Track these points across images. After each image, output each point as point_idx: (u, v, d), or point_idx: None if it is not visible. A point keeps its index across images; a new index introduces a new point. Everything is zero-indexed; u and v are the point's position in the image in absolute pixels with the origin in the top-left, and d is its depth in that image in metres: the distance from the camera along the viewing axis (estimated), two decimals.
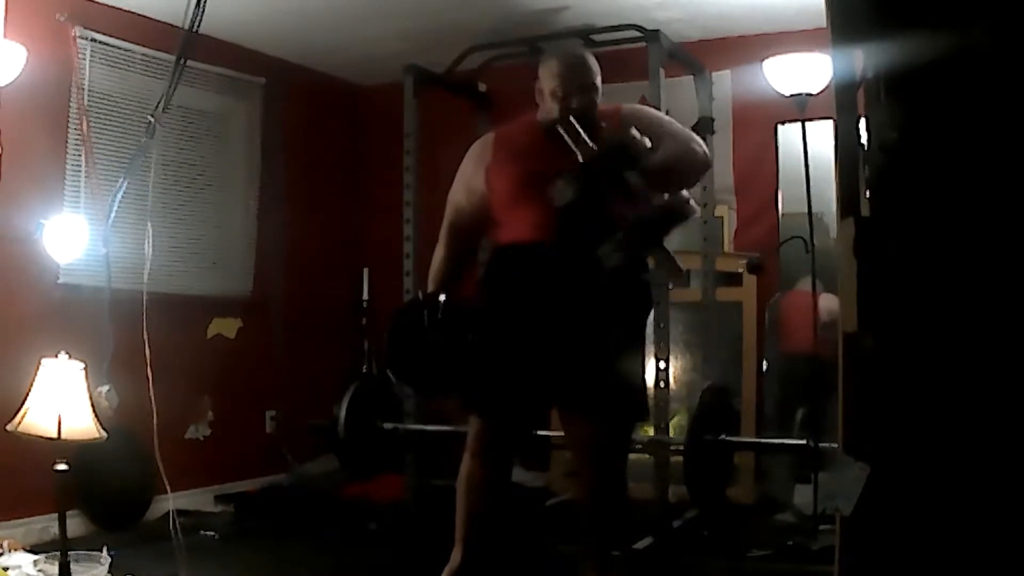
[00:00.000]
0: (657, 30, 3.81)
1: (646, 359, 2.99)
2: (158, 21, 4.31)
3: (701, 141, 2.91)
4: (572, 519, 3.08)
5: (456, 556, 2.92)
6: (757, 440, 4.35)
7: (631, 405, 2.89)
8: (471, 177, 2.97)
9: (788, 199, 4.58)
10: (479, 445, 2.91)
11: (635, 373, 2.89)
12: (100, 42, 4.27)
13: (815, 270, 3.77)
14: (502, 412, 2.88)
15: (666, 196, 2.60)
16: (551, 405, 3.01)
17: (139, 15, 4.37)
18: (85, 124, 4.20)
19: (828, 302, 3.80)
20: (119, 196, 3.86)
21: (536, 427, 3.06)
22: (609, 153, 2.58)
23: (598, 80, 2.86)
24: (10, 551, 3.37)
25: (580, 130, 2.60)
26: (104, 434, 2.91)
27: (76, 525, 3.91)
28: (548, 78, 2.84)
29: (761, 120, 4.67)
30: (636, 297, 2.90)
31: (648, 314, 3.05)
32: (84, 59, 4.21)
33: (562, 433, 3.14)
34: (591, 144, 2.58)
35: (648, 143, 2.59)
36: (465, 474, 2.93)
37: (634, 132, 2.60)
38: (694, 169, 2.87)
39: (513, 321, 2.83)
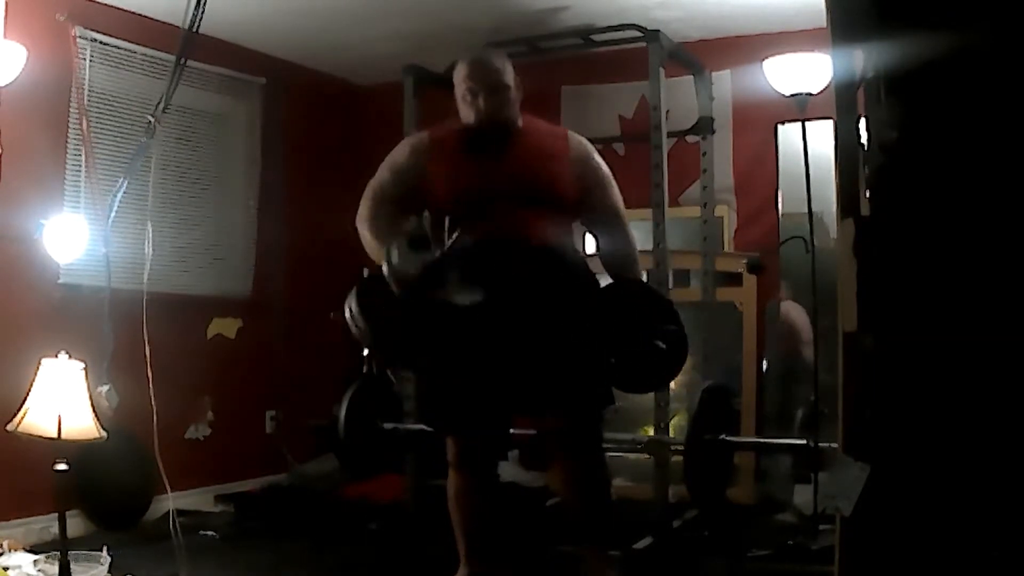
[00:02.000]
0: (657, 30, 3.81)
1: (602, 346, 2.87)
2: (158, 21, 4.31)
3: (631, 235, 2.98)
4: (564, 518, 3.08)
5: (463, 573, 2.96)
6: (757, 440, 4.35)
7: (590, 393, 2.86)
8: (407, 169, 2.91)
9: (788, 199, 4.58)
10: (458, 458, 2.94)
11: (586, 360, 2.80)
12: (100, 42, 4.27)
13: (815, 270, 3.77)
14: (467, 427, 2.90)
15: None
16: (514, 409, 3.01)
17: (139, 15, 4.37)
18: (85, 124, 4.20)
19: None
20: (119, 196, 3.87)
21: (506, 429, 3.07)
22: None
23: (509, 79, 2.85)
24: (10, 551, 3.37)
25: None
26: (104, 434, 2.91)
27: (76, 525, 3.91)
28: (458, 82, 2.86)
29: (761, 120, 4.67)
30: (571, 281, 2.87)
31: (591, 293, 2.94)
32: (84, 59, 4.21)
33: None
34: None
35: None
36: (452, 491, 2.96)
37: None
38: (636, 267, 2.97)
39: (455, 335, 2.81)
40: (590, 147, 2.97)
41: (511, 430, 3.12)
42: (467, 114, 2.85)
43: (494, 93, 2.81)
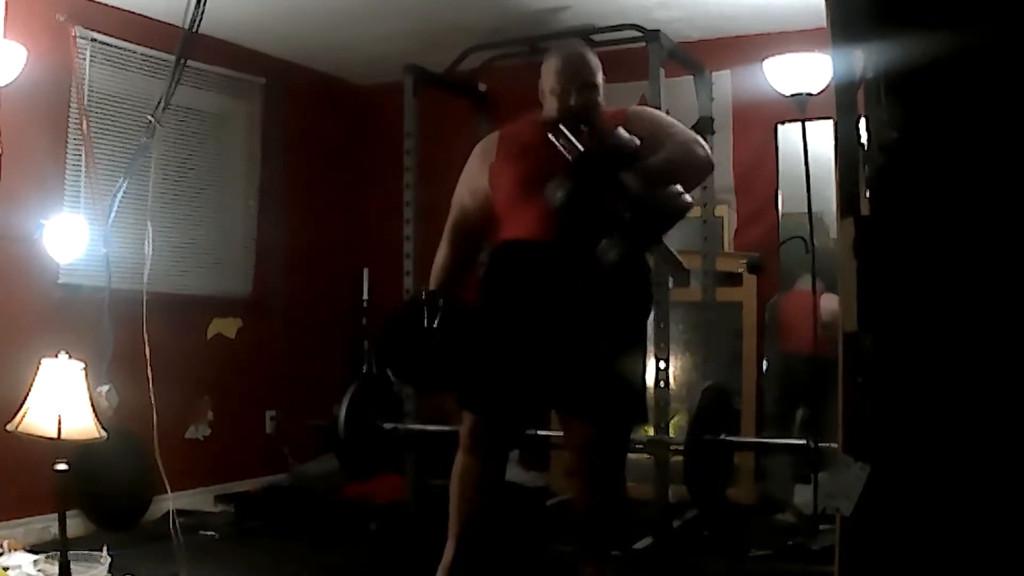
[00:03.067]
0: (657, 30, 3.81)
1: (646, 361, 2.98)
2: (158, 21, 4.31)
3: (704, 143, 2.90)
4: (571, 519, 3.08)
5: (449, 550, 2.92)
6: (757, 440, 4.35)
7: (629, 408, 2.87)
8: (475, 176, 2.96)
9: (788, 199, 4.58)
10: (472, 441, 2.90)
11: (634, 375, 2.87)
12: (100, 42, 4.27)
13: (815, 270, 3.77)
14: (496, 410, 2.87)
15: (658, 193, 2.58)
16: (548, 406, 2.99)
17: (139, 15, 4.37)
18: (85, 124, 4.20)
19: (828, 302, 3.79)
20: (119, 196, 3.86)
21: (531, 427, 3.04)
22: (598, 154, 2.56)
23: (599, 78, 2.84)
24: (10, 551, 3.37)
25: (569, 133, 2.58)
26: (104, 434, 2.91)
27: (76, 525, 3.91)
28: (548, 75, 2.85)
29: (761, 120, 4.67)
30: (635, 297, 2.88)
31: (648, 314, 3.03)
32: (84, 59, 4.21)
33: (561, 433, 3.14)
34: (580, 146, 2.57)
35: (637, 142, 2.57)
36: (458, 471, 2.92)
37: (621, 132, 2.58)
38: (694, 171, 2.84)
39: (510, 319, 2.82)
40: (643, 108, 2.98)
41: (533, 429, 3.10)
42: (552, 108, 2.82)
43: (584, 90, 2.79)
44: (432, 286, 3.04)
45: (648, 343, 2.95)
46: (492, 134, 3.05)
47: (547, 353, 2.75)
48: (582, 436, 2.85)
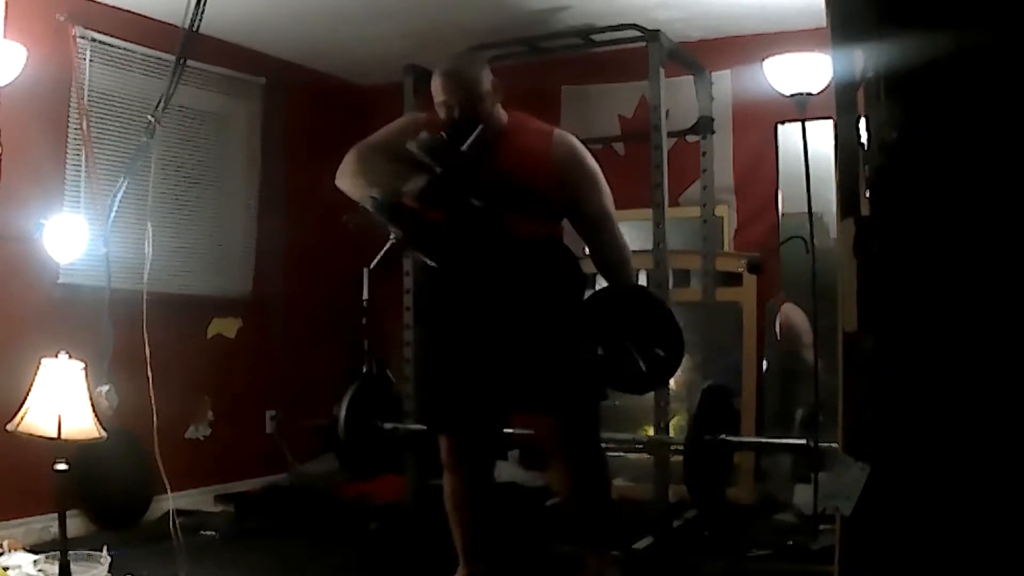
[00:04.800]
0: (657, 30, 3.81)
1: (598, 338, 2.86)
2: (158, 21, 4.31)
3: (620, 236, 2.94)
4: (563, 514, 3.09)
5: (462, 573, 2.98)
6: (757, 440, 4.35)
7: (582, 388, 2.86)
8: (398, 140, 2.94)
9: (788, 199, 4.58)
10: (452, 459, 2.96)
11: (577, 356, 2.82)
12: (100, 42, 4.27)
13: (815, 270, 3.77)
14: (460, 425, 2.93)
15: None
16: (506, 407, 3.02)
17: (139, 15, 4.37)
18: (85, 124, 4.20)
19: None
20: (119, 196, 3.87)
21: (500, 429, 3.09)
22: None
23: (481, 88, 2.84)
24: (10, 551, 3.37)
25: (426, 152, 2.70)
26: (104, 434, 2.91)
27: (76, 525, 3.91)
28: (434, 93, 2.88)
29: (761, 120, 4.67)
30: (556, 283, 2.88)
31: (580, 291, 2.98)
32: (84, 59, 4.21)
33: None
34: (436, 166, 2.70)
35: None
36: (448, 492, 2.99)
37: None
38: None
39: (444, 336, 2.90)
40: (575, 146, 2.92)
41: (506, 430, 3.13)
42: (440, 113, 2.88)
43: (466, 106, 2.80)
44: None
45: (592, 321, 2.86)
46: (420, 116, 3.09)
47: (487, 357, 2.80)
48: (547, 428, 2.90)
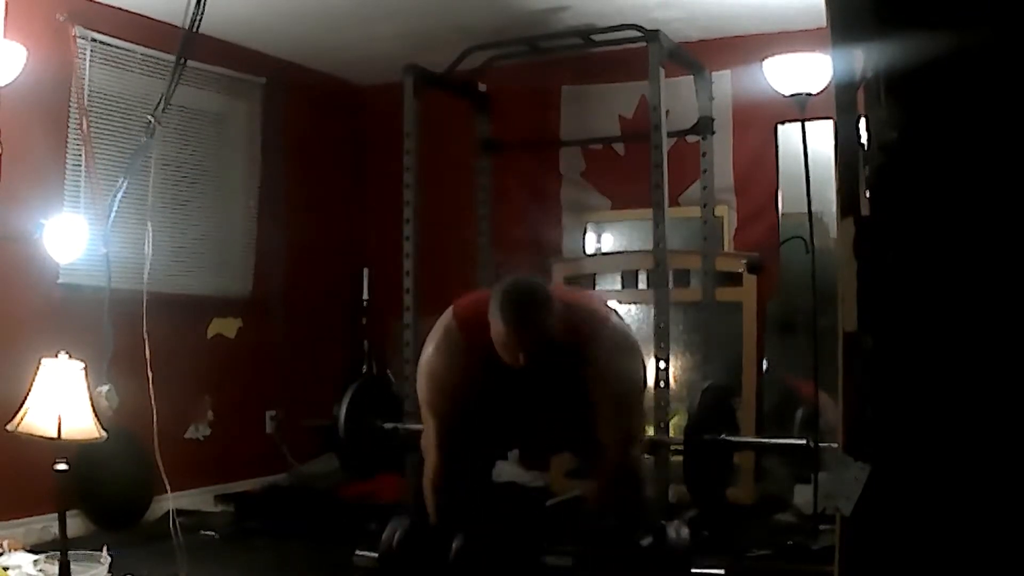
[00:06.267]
0: (657, 30, 3.81)
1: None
2: (158, 21, 4.31)
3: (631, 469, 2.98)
4: (576, 518, 3.12)
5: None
6: (757, 440, 4.35)
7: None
8: (452, 385, 2.92)
9: (788, 199, 4.58)
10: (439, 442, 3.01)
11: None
12: (100, 42, 4.27)
13: (815, 270, 3.77)
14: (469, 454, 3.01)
15: None
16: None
17: (139, 15, 4.37)
18: (85, 124, 4.20)
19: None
20: (119, 196, 3.87)
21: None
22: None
23: (550, 321, 2.71)
24: (10, 551, 3.37)
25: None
26: (104, 434, 2.91)
27: (76, 525, 3.91)
28: (495, 328, 2.70)
29: (761, 120, 4.67)
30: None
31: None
32: (84, 59, 4.21)
33: None
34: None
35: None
36: (427, 479, 3.06)
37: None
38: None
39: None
40: (616, 353, 2.91)
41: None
42: (504, 356, 2.71)
43: (536, 345, 2.67)
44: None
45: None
46: (455, 336, 2.93)
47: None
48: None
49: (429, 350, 2.95)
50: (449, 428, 2.96)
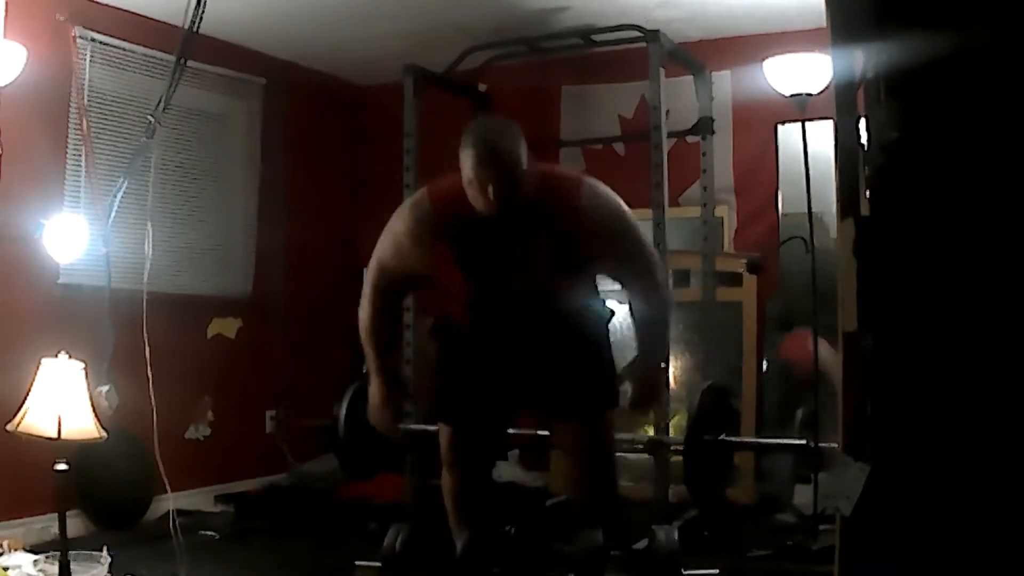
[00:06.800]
0: (657, 30, 3.81)
1: (608, 351, 2.98)
2: (158, 21, 4.31)
3: (657, 261, 2.91)
4: (569, 518, 3.12)
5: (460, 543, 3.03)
6: (757, 440, 4.35)
7: (595, 395, 2.92)
8: (408, 245, 2.87)
9: (788, 199, 4.58)
10: (452, 455, 2.99)
11: (594, 365, 2.92)
12: (100, 42, 4.27)
13: (815, 270, 3.77)
14: (469, 419, 2.95)
15: None
16: (518, 408, 3.07)
17: (139, 15, 4.37)
18: (85, 124, 4.20)
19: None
20: (119, 196, 3.87)
21: (503, 429, 3.12)
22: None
23: (520, 159, 2.61)
24: (10, 551, 3.37)
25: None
26: (104, 434, 2.92)
27: (76, 525, 3.91)
28: (464, 162, 2.61)
29: (761, 120, 4.67)
30: (592, 311, 2.95)
31: (606, 319, 3.01)
32: (84, 59, 4.21)
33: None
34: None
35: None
36: (447, 489, 3.03)
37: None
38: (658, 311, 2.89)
39: (473, 335, 2.91)
40: (605, 198, 2.81)
41: (509, 430, 3.17)
42: (475, 199, 2.61)
43: (506, 182, 2.55)
44: (369, 351, 3.07)
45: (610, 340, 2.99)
46: (423, 200, 2.89)
47: (512, 362, 2.86)
48: (561, 432, 3.00)
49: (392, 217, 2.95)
50: (384, 271, 2.90)
